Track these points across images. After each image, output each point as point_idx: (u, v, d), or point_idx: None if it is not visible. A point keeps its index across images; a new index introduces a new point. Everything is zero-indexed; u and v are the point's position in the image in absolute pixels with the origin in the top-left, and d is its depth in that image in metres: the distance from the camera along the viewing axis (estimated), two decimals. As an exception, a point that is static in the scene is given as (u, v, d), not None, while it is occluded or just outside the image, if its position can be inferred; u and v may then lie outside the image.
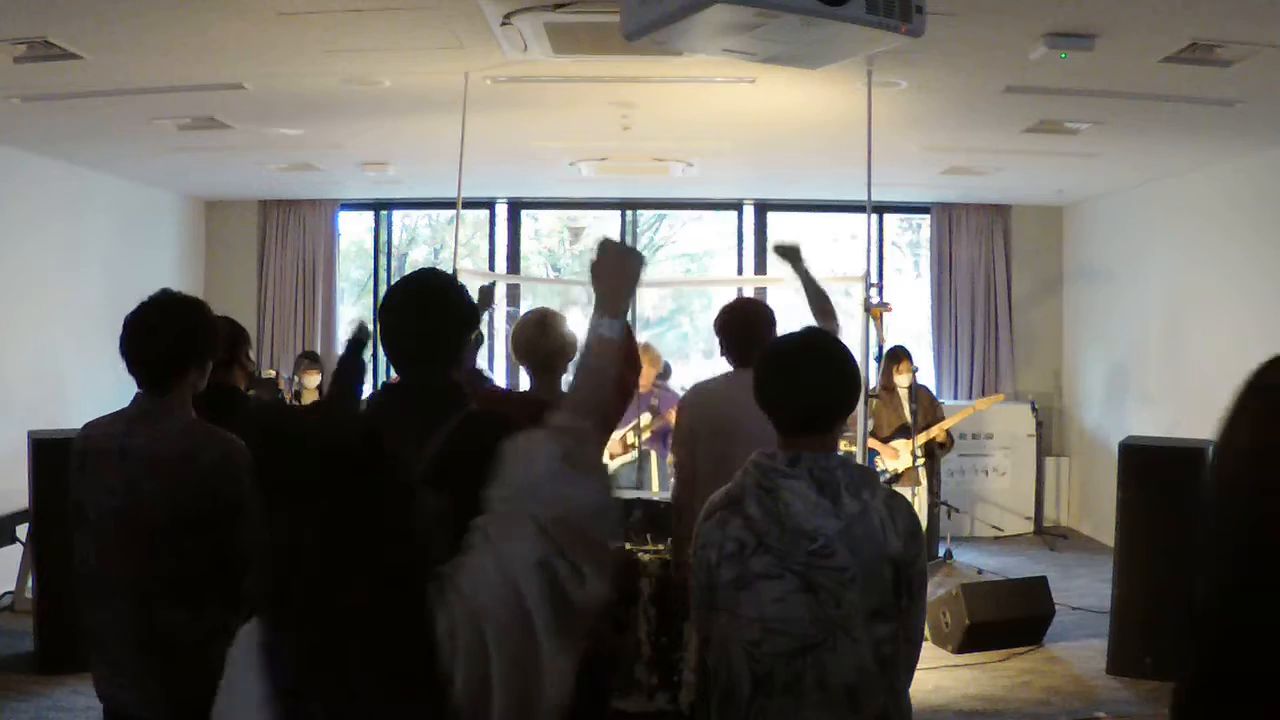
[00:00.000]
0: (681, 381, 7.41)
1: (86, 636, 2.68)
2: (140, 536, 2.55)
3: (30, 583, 5.82)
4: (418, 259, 11.44)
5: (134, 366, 2.66)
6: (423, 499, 1.49)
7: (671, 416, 6.59)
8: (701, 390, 4.08)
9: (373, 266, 10.09)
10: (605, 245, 1.88)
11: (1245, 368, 0.93)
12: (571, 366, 3.75)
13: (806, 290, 3.99)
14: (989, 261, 9.56)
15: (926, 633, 5.53)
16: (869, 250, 5.94)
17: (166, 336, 2.65)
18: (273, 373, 8.18)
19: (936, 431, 7.60)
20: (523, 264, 10.36)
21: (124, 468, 2.58)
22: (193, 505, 2.54)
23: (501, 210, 9.89)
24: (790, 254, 4.06)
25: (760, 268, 9.84)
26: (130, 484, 2.57)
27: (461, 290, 2.58)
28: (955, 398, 9.35)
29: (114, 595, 2.59)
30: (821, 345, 2.26)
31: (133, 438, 2.60)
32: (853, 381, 2.24)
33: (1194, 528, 0.95)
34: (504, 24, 4.21)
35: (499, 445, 2.45)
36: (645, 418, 6.56)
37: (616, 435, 6.79)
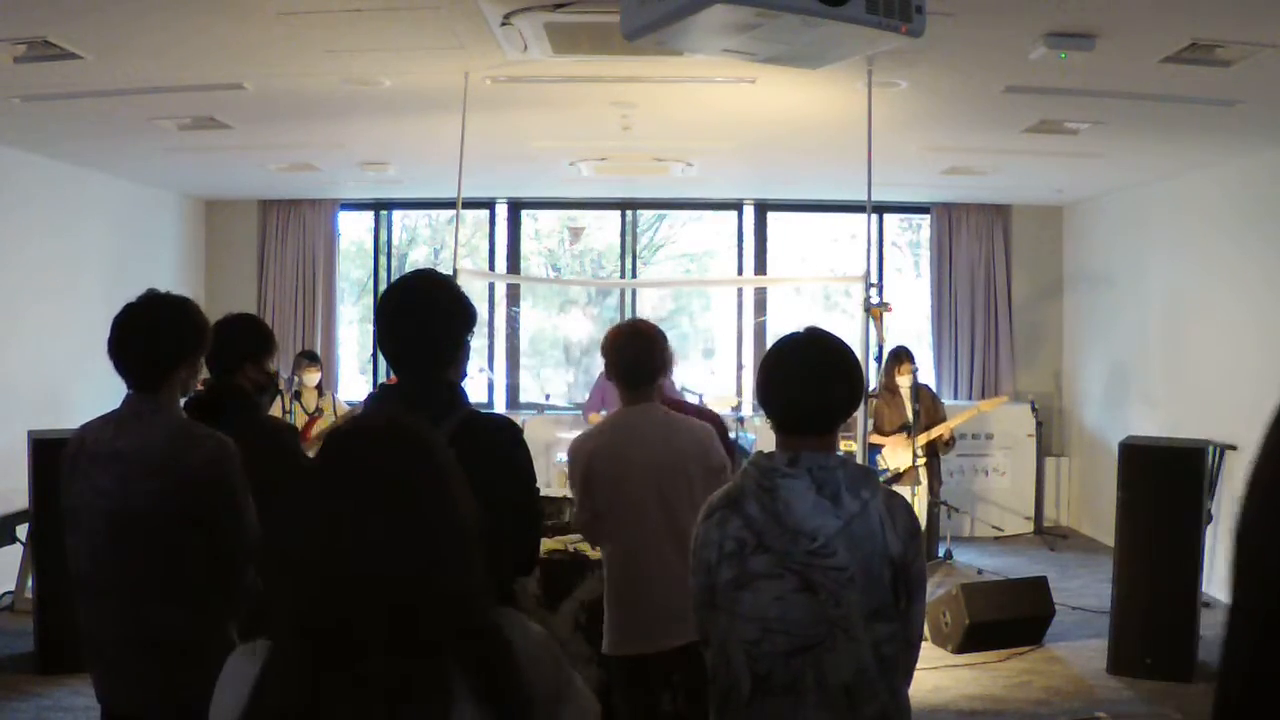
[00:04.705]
0: (682, 381, 7.40)
1: (84, 638, 2.68)
2: (132, 537, 2.55)
3: (30, 583, 5.83)
4: (418, 259, 11.42)
5: (122, 367, 2.67)
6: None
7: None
8: (588, 437, 3.57)
9: (373, 266, 10.10)
10: None
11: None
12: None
13: None
14: (989, 261, 9.56)
15: (926, 633, 5.55)
16: (869, 250, 5.95)
17: (153, 337, 2.65)
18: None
19: (939, 432, 7.60)
20: (523, 264, 10.36)
21: (115, 469, 2.58)
22: (182, 505, 2.54)
23: (501, 210, 9.89)
24: None
25: (760, 268, 9.84)
26: (121, 485, 2.57)
27: (458, 290, 2.57)
28: (955, 397, 9.35)
29: (108, 596, 2.59)
30: (823, 345, 2.25)
31: (122, 439, 2.60)
32: (854, 382, 2.23)
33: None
34: (504, 24, 4.21)
35: (497, 447, 2.46)
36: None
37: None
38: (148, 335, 2.66)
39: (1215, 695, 0.96)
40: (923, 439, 7.45)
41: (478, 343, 6.10)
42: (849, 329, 7.46)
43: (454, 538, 1.42)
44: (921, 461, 7.46)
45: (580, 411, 7.83)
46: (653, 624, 3.23)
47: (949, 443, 7.70)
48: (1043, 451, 9.15)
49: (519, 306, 10.01)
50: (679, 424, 3.38)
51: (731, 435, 5.16)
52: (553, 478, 7.43)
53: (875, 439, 7.39)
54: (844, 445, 6.88)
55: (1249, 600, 0.94)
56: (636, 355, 3.37)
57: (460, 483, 1.47)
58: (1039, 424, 9.01)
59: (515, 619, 1.50)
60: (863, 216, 5.57)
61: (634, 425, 3.34)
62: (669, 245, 11.56)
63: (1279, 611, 0.89)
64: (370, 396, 2.86)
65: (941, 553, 7.82)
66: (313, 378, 7.49)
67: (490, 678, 1.38)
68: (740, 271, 9.93)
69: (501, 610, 1.50)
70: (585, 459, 3.36)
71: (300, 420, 7.18)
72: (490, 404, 9.43)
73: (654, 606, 3.22)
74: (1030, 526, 8.95)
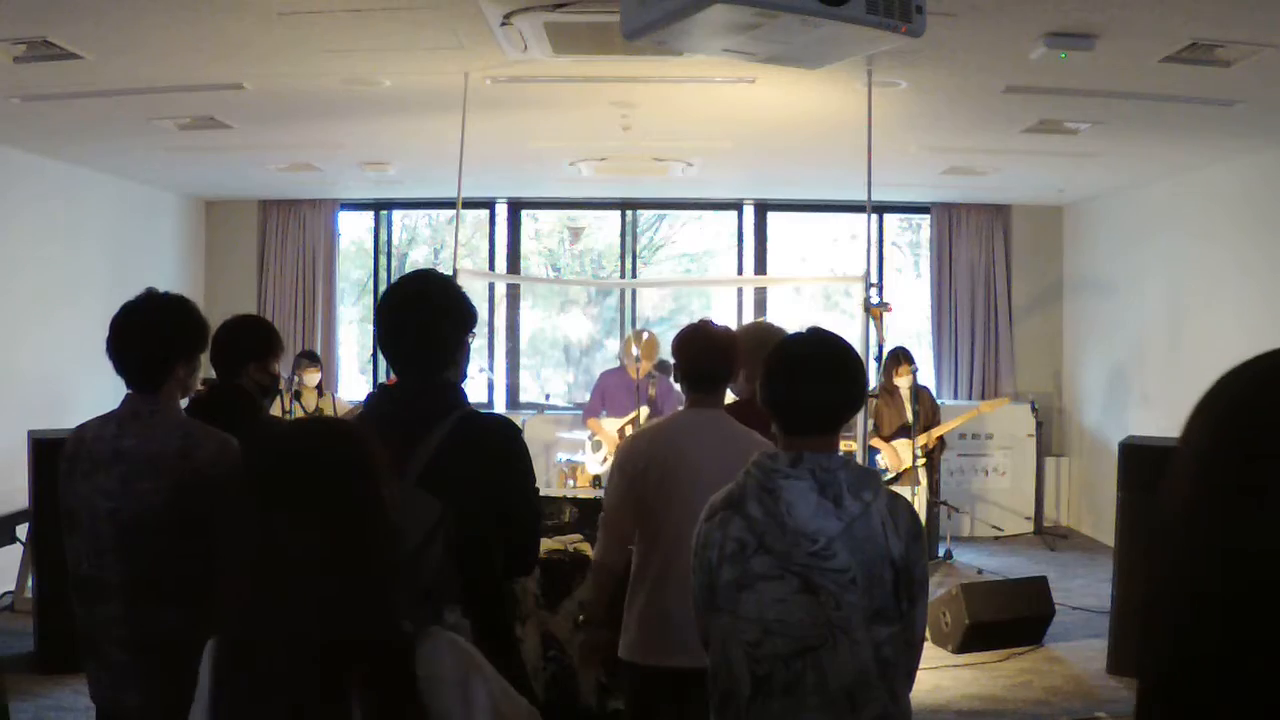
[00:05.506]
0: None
1: (81, 639, 2.68)
2: (138, 537, 2.55)
3: (30, 583, 5.83)
4: (418, 259, 11.43)
5: (121, 367, 2.67)
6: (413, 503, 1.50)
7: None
8: (645, 436, 3.41)
9: (373, 266, 10.09)
10: None
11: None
12: None
13: None
14: (989, 261, 9.56)
15: (926, 633, 5.55)
16: (869, 250, 5.95)
17: (151, 336, 2.65)
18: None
19: (939, 433, 7.61)
20: (523, 264, 10.36)
21: (118, 469, 2.58)
22: (191, 503, 2.54)
23: (501, 210, 9.89)
24: None
25: (760, 268, 9.84)
26: (126, 485, 2.56)
27: (459, 291, 2.57)
28: (955, 398, 9.35)
29: (111, 598, 2.59)
30: (828, 346, 2.25)
31: (125, 439, 2.60)
32: (858, 383, 2.24)
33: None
34: (504, 24, 4.21)
35: (495, 447, 2.46)
36: (644, 412, 6.56)
37: (614, 428, 6.79)
38: (146, 334, 2.66)
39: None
40: (921, 439, 7.46)
41: (478, 343, 6.10)
42: (849, 329, 7.45)
43: (373, 555, 1.43)
44: (921, 462, 7.47)
45: (580, 412, 7.83)
46: (670, 638, 3.07)
47: (935, 448, 7.72)
48: (1043, 451, 9.15)
49: (519, 307, 10.01)
50: (735, 436, 3.18)
51: None
52: (552, 477, 7.43)
53: (876, 442, 7.40)
54: (844, 445, 6.89)
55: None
56: (699, 356, 3.22)
57: (376, 496, 1.48)
58: (1039, 424, 9.01)
59: (434, 637, 1.49)
60: (863, 216, 5.57)
61: (686, 431, 3.20)
62: (669, 245, 11.57)
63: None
64: (370, 396, 2.86)
65: (941, 553, 7.82)
66: (313, 378, 7.50)
67: (383, 698, 1.38)
68: (740, 271, 9.93)
69: (422, 631, 1.50)
70: (634, 458, 3.21)
71: (300, 420, 7.18)
72: (490, 404, 9.43)
73: (672, 619, 3.05)
74: (1030, 526, 8.95)
